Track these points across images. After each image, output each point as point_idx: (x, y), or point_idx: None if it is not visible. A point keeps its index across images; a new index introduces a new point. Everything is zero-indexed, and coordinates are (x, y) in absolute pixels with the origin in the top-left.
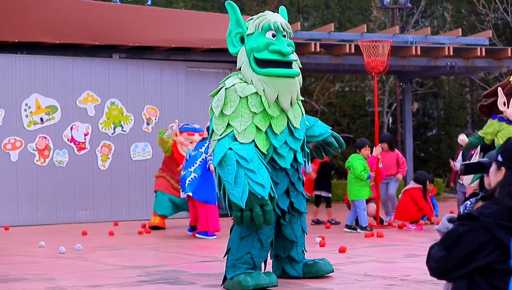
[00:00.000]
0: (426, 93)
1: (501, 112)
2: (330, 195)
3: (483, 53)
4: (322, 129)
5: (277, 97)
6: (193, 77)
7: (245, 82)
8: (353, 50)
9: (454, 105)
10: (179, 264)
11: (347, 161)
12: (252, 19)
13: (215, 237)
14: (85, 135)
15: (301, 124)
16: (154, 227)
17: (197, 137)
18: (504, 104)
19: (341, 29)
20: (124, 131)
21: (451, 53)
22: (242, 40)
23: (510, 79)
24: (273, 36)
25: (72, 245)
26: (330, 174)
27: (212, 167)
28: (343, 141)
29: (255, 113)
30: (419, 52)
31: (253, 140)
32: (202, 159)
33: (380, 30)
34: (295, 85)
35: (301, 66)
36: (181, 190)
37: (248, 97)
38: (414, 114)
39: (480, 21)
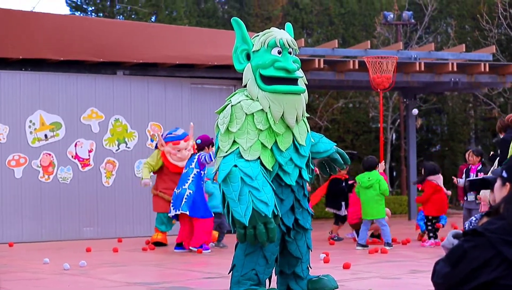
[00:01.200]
0: (429, 109)
1: None
2: (341, 213)
3: (487, 69)
4: (327, 146)
5: (282, 114)
6: (197, 94)
7: (251, 99)
8: (357, 66)
9: (457, 121)
10: (183, 281)
11: (367, 179)
12: (258, 35)
13: (209, 250)
14: (89, 151)
15: (306, 141)
16: (157, 243)
17: (182, 144)
18: None
19: (345, 46)
20: (128, 147)
21: (455, 69)
22: (248, 57)
23: None
24: (279, 53)
25: (76, 261)
26: (340, 191)
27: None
28: (348, 157)
29: (261, 130)
30: (423, 68)
31: (259, 157)
32: (194, 174)
33: (384, 46)
34: (301, 102)
35: (306, 83)
36: (172, 208)
37: (254, 114)
38: (417, 130)
39: (483, 37)
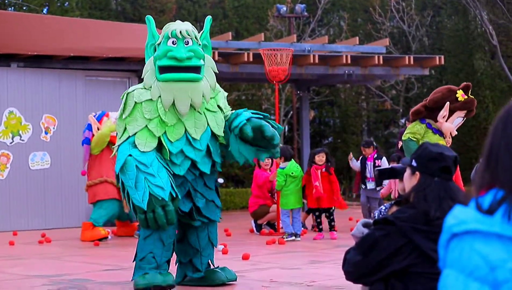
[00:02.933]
0: (322, 102)
1: (431, 119)
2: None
3: (381, 61)
4: (240, 118)
5: (173, 102)
6: (92, 86)
7: (146, 88)
8: (251, 59)
9: (350, 113)
10: (83, 273)
11: (296, 167)
12: None
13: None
14: None
15: (203, 135)
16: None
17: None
18: (443, 118)
19: (239, 38)
20: (23, 140)
21: (349, 61)
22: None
23: (457, 96)
24: (174, 43)
25: None
26: None
27: None
28: (272, 129)
29: (150, 119)
30: (316, 61)
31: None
32: None
33: (277, 39)
34: (196, 89)
35: (217, 72)
36: None
37: (143, 103)
38: (310, 122)
39: (376, 30)
